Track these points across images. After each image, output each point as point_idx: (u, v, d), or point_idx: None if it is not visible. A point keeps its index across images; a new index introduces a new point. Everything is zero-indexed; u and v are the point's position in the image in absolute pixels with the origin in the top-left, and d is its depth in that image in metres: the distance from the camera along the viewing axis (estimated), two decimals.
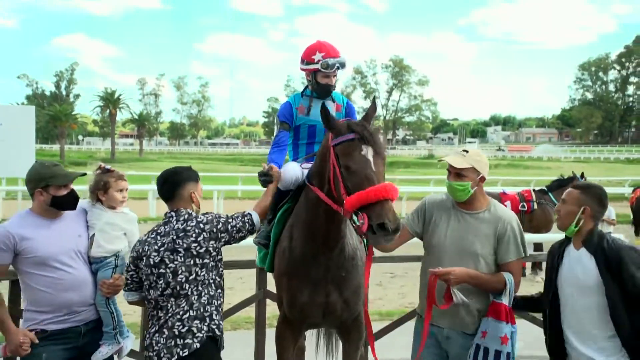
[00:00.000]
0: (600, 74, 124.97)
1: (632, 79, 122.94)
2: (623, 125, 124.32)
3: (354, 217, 3.42)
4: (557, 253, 3.91)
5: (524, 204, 12.33)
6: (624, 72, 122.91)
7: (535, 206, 12.25)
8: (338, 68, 4.64)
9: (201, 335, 3.65)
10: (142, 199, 23.82)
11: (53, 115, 68.28)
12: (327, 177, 3.77)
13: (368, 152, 3.58)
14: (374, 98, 4.75)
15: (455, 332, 3.86)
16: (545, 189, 13.10)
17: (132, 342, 4.32)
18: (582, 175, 13.31)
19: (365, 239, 4.02)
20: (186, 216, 3.78)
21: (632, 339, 3.61)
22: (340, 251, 4.04)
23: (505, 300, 3.85)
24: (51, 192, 3.95)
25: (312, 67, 4.65)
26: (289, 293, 4.19)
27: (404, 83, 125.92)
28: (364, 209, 3.38)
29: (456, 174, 3.91)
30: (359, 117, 4.24)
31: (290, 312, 4.23)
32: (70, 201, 4.05)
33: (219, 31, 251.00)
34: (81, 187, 4.33)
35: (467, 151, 4.00)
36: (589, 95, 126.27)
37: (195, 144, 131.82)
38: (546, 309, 3.93)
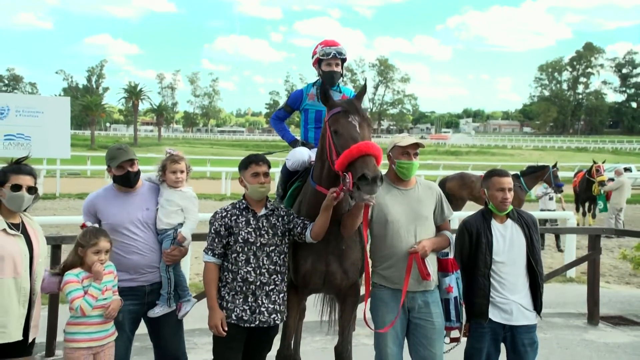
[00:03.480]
0: (556, 74, 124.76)
1: (582, 79, 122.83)
2: (574, 118, 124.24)
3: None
4: (482, 228, 4.10)
5: None
6: (575, 73, 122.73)
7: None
8: (335, 56, 4.69)
9: None
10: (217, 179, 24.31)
11: (85, 105, 68.11)
12: (325, 149, 3.77)
13: (353, 119, 3.62)
14: (365, 80, 4.73)
15: (420, 292, 3.92)
16: (519, 173, 13.15)
17: (191, 306, 4.24)
18: (555, 165, 13.42)
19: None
20: None
21: (536, 282, 4.09)
22: (340, 228, 3.96)
23: (451, 254, 4.03)
24: (113, 172, 4.14)
25: (315, 57, 4.78)
26: (295, 261, 4.14)
27: (388, 80, 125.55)
28: (349, 167, 3.38)
29: (415, 153, 3.94)
30: None
31: (295, 278, 4.18)
32: (124, 180, 4.15)
33: (227, 33, 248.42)
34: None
35: (409, 134, 4.04)
36: (546, 93, 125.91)
37: (206, 131, 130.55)
38: (484, 273, 4.04)
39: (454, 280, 3.97)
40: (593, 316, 7.48)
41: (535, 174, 13.21)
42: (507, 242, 4.06)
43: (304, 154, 4.55)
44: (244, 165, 3.92)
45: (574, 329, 7.23)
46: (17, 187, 3.54)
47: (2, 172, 3.62)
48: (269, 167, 3.95)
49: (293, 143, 4.87)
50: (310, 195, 4.06)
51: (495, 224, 4.12)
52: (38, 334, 3.79)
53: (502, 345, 4.14)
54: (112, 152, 4.17)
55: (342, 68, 4.82)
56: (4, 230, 3.52)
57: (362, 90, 4.04)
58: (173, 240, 4.09)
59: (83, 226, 3.97)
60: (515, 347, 4.04)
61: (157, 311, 4.11)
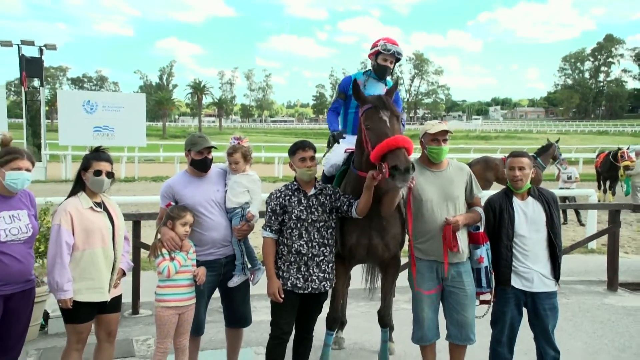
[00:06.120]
0: (578, 64, 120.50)
1: (603, 68, 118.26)
2: (595, 104, 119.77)
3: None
4: (504, 205, 4.01)
5: None
6: (596, 63, 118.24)
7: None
8: (394, 54, 4.65)
9: None
10: (271, 163, 24.63)
11: (158, 100, 70.20)
12: (362, 140, 3.79)
13: (384, 115, 3.63)
14: (397, 77, 4.73)
15: (453, 264, 3.90)
16: (535, 155, 13.00)
17: (262, 273, 4.23)
18: (558, 141, 13.47)
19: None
20: None
21: (555, 253, 3.97)
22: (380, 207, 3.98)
23: (482, 228, 3.98)
24: (192, 156, 4.15)
25: (374, 49, 4.72)
26: (342, 236, 4.16)
27: (423, 72, 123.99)
28: (384, 159, 3.40)
29: (444, 139, 3.90)
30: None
31: (342, 250, 4.20)
32: (201, 165, 4.16)
33: (278, 33, 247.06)
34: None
35: (440, 121, 3.98)
36: (569, 81, 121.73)
37: (260, 121, 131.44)
38: (507, 245, 3.96)
39: (484, 252, 3.94)
40: (612, 283, 7.34)
41: (547, 152, 13.16)
42: (528, 217, 3.97)
43: (338, 158, 4.57)
44: (292, 151, 3.95)
45: (594, 294, 7.09)
46: (98, 172, 3.68)
47: (85, 158, 3.77)
48: (315, 151, 3.96)
49: (332, 134, 4.72)
50: (353, 180, 4.10)
51: (516, 201, 4.02)
52: (122, 294, 3.98)
53: (525, 310, 4.08)
54: (194, 138, 4.20)
55: (394, 66, 4.80)
56: (91, 207, 3.68)
57: (393, 87, 4.08)
58: (241, 217, 4.14)
59: (168, 205, 4.08)
60: (537, 311, 3.99)
61: (236, 280, 4.18)
